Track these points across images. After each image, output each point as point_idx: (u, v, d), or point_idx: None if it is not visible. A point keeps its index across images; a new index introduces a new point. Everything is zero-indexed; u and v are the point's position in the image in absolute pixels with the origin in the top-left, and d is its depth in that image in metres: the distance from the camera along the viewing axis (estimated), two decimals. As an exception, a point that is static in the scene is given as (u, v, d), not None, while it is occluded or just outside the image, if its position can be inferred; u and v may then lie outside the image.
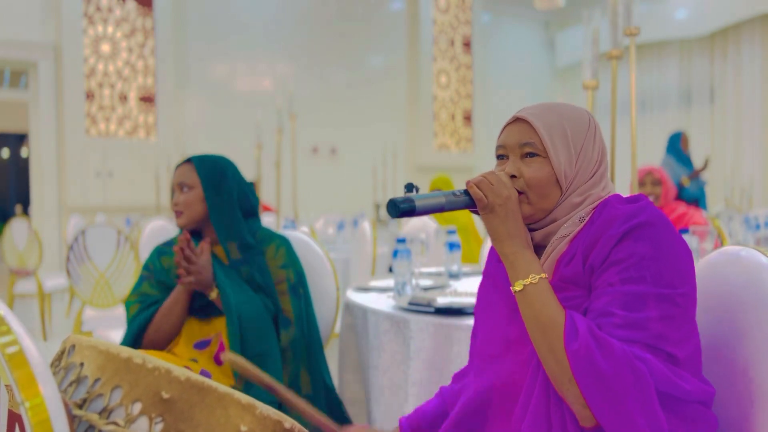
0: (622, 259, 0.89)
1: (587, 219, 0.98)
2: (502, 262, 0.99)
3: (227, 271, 1.69)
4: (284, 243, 1.78)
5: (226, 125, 7.73)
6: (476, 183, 0.97)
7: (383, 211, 7.14)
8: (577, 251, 0.95)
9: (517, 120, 1.02)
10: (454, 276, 2.26)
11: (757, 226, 3.59)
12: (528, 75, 10.25)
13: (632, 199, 0.97)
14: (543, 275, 0.94)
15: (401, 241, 1.88)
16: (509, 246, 0.96)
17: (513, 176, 1.00)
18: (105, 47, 7.13)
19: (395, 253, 1.85)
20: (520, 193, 0.99)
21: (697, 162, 5.74)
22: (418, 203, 0.93)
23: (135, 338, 1.65)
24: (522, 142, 1.00)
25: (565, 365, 0.85)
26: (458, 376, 1.20)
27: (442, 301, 1.66)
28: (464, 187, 1.00)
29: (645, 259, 0.88)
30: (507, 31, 10.19)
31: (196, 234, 1.77)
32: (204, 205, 1.71)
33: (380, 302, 1.82)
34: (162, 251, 1.77)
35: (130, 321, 1.67)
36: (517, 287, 0.94)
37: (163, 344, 1.68)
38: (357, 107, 8.55)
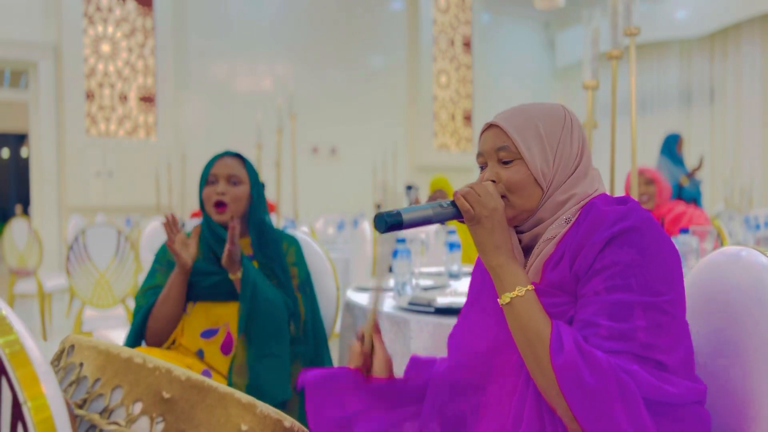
0: (606, 266, 0.88)
1: (573, 220, 0.97)
2: (474, 242, 0.98)
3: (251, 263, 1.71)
4: (294, 242, 1.81)
5: (226, 125, 7.73)
6: (463, 194, 0.97)
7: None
8: (563, 255, 0.94)
9: (490, 126, 1.03)
10: (454, 276, 2.26)
11: (757, 226, 3.60)
12: (528, 75, 10.26)
13: (619, 201, 0.96)
14: (529, 287, 0.93)
15: (401, 241, 1.88)
16: (495, 258, 0.95)
17: (492, 181, 1.00)
18: (105, 47, 7.14)
19: (395, 253, 1.86)
20: (502, 197, 0.99)
21: (689, 163, 5.73)
22: (405, 216, 0.93)
23: (140, 328, 1.65)
24: (496, 147, 1.00)
25: (552, 378, 0.85)
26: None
27: (442, 301, 1.66)
28: (452, 198, 0.99)
29: (630, 267, 0.87)
30: (507, 31, 10.20)
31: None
32: (247, 203, 1.74)
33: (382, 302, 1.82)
34: None
35: (136, 312, 1.68)
36: (504, 300, 0.93)
37: (164, 332, 1.67)
38: (357, 107, 8.56)
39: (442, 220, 0.97)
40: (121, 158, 7.12)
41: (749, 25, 8.13)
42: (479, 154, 1.04)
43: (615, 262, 0.88)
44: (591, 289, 0.89)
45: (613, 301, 0.87)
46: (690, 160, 7.09)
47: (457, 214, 0.97)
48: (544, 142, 0.99)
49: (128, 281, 3.39)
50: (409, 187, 7.19)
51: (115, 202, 7.02)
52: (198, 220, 1.80)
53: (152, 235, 4.30)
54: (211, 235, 1.70)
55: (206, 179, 1.72)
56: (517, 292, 0.92)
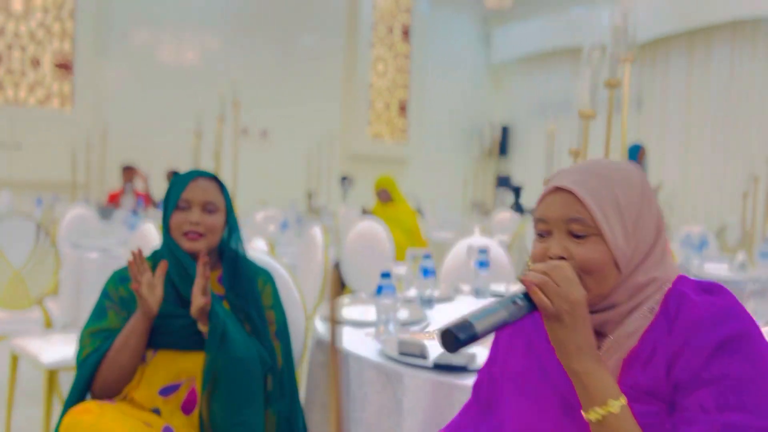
0: (716, 378, 0.79)
1: (657, 309, 0.86)
2: (551, 341, 0.85)
3: (221, 306, 1.49)
4: (270, 279, 1.61)
5: (149, 98, 7.22)
6: (539, 285, 0.81)
7: (315, 201, 6.92)
8: (653, 354, 0.83)
9: (558, 190, 0.88)
10: (427, 303, 2.13)
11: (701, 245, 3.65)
12: (464, 68, 10.26)
13: (707, 288, 0.86)
14: (623, 400, 0.81)
15: (386, 276, 1.72)
16: (579, 362, 0.82)
17: (561, 258, 0.86)
18: (16, 5, 6.51)
19: (379, 290, 1.70)
20: None
21: (652, 177, 5.84)
22: (479, 327, 0.78)
23: (88, 379, 1.40)
24: (568, 217, 0.86)
25: None
26: None
27: (438, 358, 1.49)
28: (523, 285, 0.83)
29: (742, 381, 0.78)
30: (445, 22, 10.13)
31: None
32: (221, 234, 1.53)
33: (361, 344, 1.65)
34: (124, 277, 1.51)
35: (82, 362, 1.42)
36: (592, 416, 0.81)
37: (117, 384, 1.43)
38: (289, 88, 8.24)
39: (518, 318, 0.82)
40: (31, 129, 6.53)
41: (677, 39, 8.46)
42: (541, 220, 0.89)
43: (725, 375, 0.78)
44: (697, 403, 0.79)
45: (726, 423, 0.77)
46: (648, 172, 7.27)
47: (534, 309, 0.83)
48: (624, 215, 0.86)
49: (47, 279, 3.05)
50: (343, 178, 7.03)
51: (23, 177, 6.43)
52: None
53: (71, 226, 3.92)
54: (177, 269, 1.46)
55: (176, 204, 1.48)
56: (611, 407, 0.80)
